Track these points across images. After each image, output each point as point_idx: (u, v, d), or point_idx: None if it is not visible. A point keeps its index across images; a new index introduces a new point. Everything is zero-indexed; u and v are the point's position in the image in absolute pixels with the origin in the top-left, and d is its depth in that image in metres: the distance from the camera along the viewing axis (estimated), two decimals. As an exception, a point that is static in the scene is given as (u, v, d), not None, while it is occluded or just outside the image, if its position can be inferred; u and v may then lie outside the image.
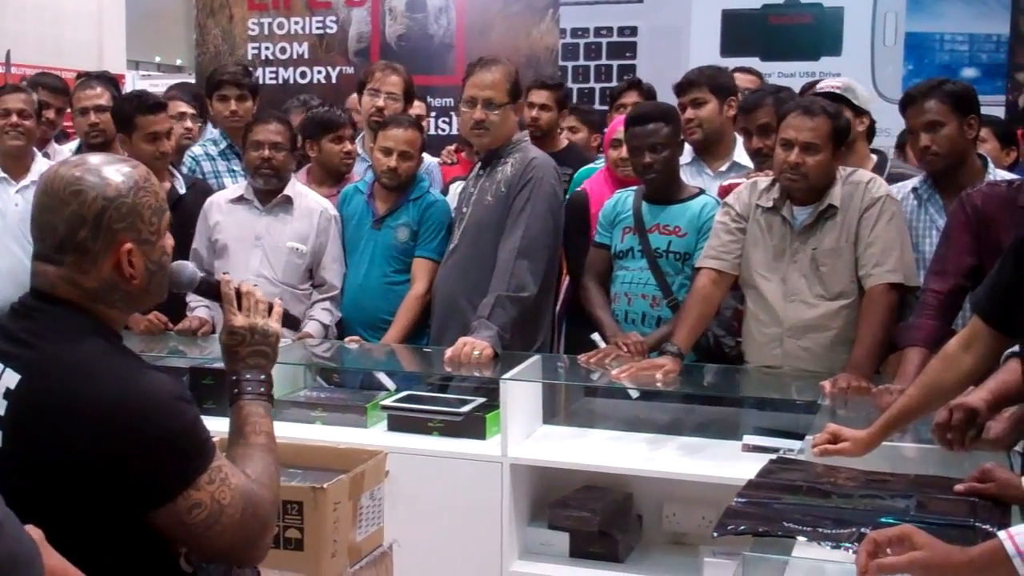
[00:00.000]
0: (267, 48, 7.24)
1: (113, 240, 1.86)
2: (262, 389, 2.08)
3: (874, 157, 3.94)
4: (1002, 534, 1.76)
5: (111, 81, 5.28)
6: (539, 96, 5.09)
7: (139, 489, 1.78)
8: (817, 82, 4.79)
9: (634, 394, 3.75)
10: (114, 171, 1.89)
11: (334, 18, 7.13)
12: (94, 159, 1.92)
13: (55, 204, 1.85)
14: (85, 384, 1.77)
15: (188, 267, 2.14)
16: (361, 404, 3.72)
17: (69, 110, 5.23)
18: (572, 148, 5.18)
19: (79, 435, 1.74)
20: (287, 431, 3.50)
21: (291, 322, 2.23)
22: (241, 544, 1.88)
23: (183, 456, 1.81)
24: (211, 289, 2.17)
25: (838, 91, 3.76)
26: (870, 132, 3.96)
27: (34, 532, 1.47)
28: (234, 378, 2.09)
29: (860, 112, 3.81)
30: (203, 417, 1.94)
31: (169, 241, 1.99)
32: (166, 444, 1.78)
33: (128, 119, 4.31)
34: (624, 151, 4.11)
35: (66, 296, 1.87)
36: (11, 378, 1.80)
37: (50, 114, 5.21)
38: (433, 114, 6.67)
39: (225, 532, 1.84)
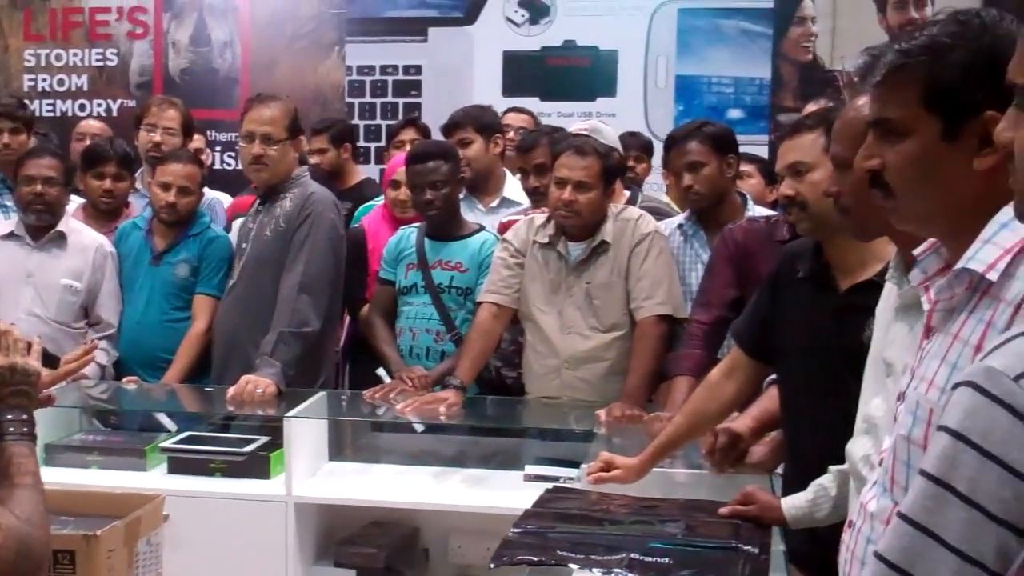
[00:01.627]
0: (44, 80, 6.99)
1: None
2: (25, 429, 2.01)
3: (626, 192, 4.13)
4: None
5: None
6: (315, 142, 5.20)
7: None
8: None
9: (419, 428, 3.78)
10: None
11: (115, 50, 6.95)
12: None
13: None
14: None
15: None
16: (139, 447, 3.61)
17: None
18: (368, 182, 5.24)
19: None
20: (61, 477, 3.37)
21: (51, 361, 2.17)
22: None
23: None
24: None
25: (585, 132, 3.91)
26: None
27: None
28: None
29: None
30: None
31: None
32: None
33: None
34: (403, 192, 4.18)
35: None
36: None
37: None
38: (218, 148, 6.58)
39: None
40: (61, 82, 6.99)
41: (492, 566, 2.22)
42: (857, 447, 1.98)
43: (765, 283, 2.69)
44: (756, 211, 3.77)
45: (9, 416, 2.00)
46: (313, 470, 3.53)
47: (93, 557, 2.37)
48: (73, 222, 4.26)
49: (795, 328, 2.54)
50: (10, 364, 2.03)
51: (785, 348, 2.58)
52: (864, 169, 1.61)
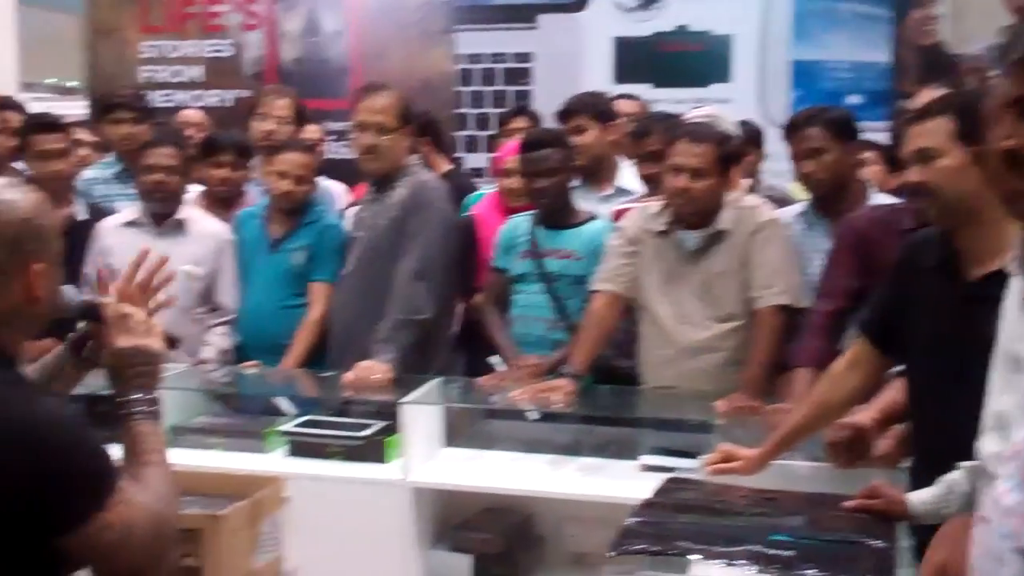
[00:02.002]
0: (161, 71, 7.15)
1: (25, 261, 1.86)
2: (151, 408, 2.07)
3: (744, 181, 4.05)
4: None
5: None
6: None
7: (51, 515, 1.77)
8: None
9: (533, 416, 3.78)
10: (21, 194, 1.89)
11: (229, 42, 7.08)
12: None
13: None
14: None
15: (69, 291, 2.13)
16: (260, 430, 3.70)
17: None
18: (454, 173, 5.25)
19: None
20: (184, 458, 3.43)
21: (171, 342, 2.23)
22: (148, 562, 1.88)
23: (93, 480, 1.81)
24: (93, 312, 2.15)
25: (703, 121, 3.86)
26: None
27: None
28: (121, 399, 2.07)
29: None
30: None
31: None
32: (76, 469, 1.78)
33: (25, 138, 4.39)
34: (514, 181, 4.19)
35: None
36: None
37: None
38: (332, 138, 6.66)
39: (135, 551, 1.84)
40: (176, 73, 7.14)
41: (611, 554, 2.21)
42: (987, 444, 1.92)
43: (891, 272, 2.62)
44: (879, 199, 3.68)
45: (135, 396, 2.05)
46: (429, 455, 3.56)
47: (218, 537, 2.42)
48: (193, 210, 4.35)
49: (922, 319, 2.48)
50: (134, 345, 2.08)
51: (911, 339, 2.52)
52: (1001, 150, 1.56)
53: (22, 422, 1.76)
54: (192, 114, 5.70)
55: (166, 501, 1.95)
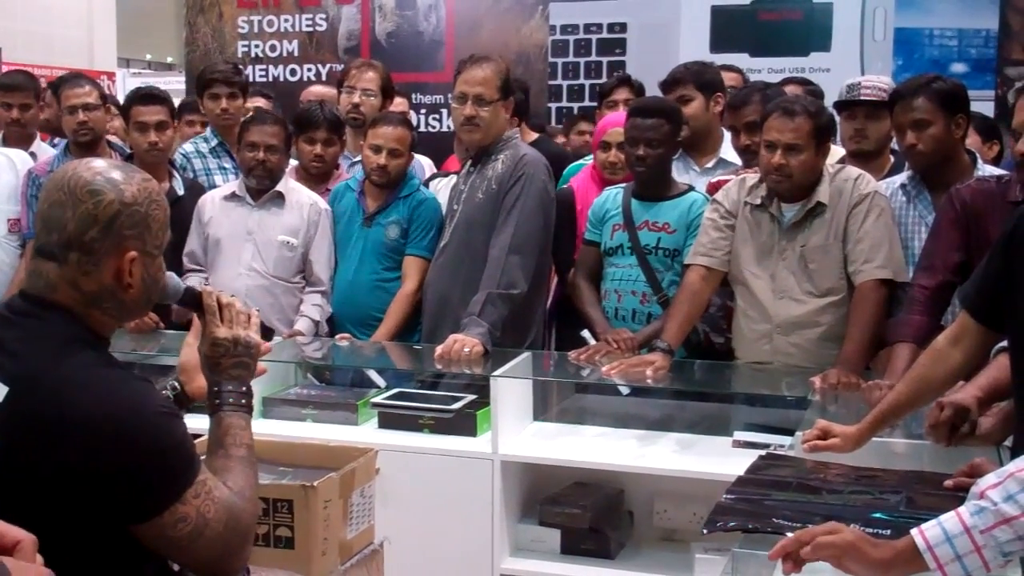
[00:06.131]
0: (257, 46, 7.23)
1: (119, 246, 1.87)
2: (243, 401, 2.08)
3: (840, 151, 3.94)
4: (914, 530, 1.77)
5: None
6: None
7: (127, 504, 1.79)
8: (792, 79, 4.82)
9: (625, 390, 3.75)
10: (131, 180, 1.90)
11: (324, 16, 7.13)
12: (113, 165, 1.94)
13: (69, 201, 1.85)
14: (74, 399, 1.76)
15: (173, 278, 2.13)
16: (352, 402, 3.73)
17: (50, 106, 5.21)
18: (541, 140, 5.18)
19: (67, 450, 1.74)
20: (277, 429, 3.52)
21: (266, 333, 2.24)
22: (222, 556, 1.90)
23: (172, 471, 1.82)
24: (193, 300, 2.16)
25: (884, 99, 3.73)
26: None
27: None
28: (215, 389, 2.09)
29: None
30: (192, 416, 1.93)
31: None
32: (156, 459, 1.79)
33: (126, 111, 4.49)
34: (613, 155, 4.13)
35: (63, 300, 1.86)
36: None
37: (13, 113, 5.20)
38: (423, 111, 6.67)
39: (208, 545, 1.86)
40: (273, 48, 7.21)
41: (705, 531, 2.17)
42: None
43: (997, 245, 2.52)
44: (986, 171, 3.55)
45: (229, 387, 2.08)
46: (518, 429, 3.56)
47: (310, 507, 2.44)
48: (291, 182, 4.39)
49: (1028, 293, 2.38)
50: (234, 336, 2.10)
51: (1018, 314, 2.42)
52: None
53: (104, 412, 1.76)
54: (321, 89, 5.71)
55: (246, 497, 1.95)
